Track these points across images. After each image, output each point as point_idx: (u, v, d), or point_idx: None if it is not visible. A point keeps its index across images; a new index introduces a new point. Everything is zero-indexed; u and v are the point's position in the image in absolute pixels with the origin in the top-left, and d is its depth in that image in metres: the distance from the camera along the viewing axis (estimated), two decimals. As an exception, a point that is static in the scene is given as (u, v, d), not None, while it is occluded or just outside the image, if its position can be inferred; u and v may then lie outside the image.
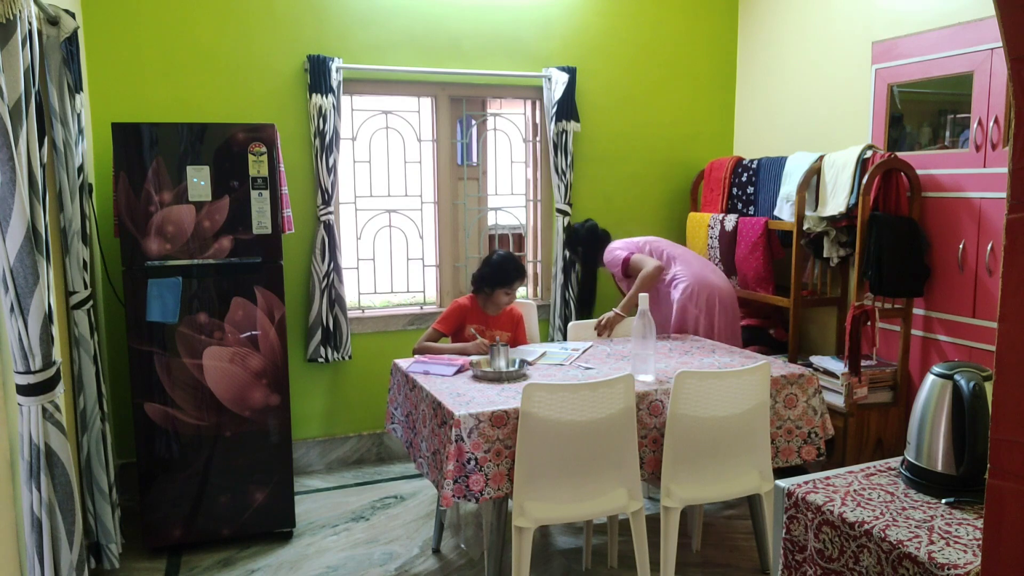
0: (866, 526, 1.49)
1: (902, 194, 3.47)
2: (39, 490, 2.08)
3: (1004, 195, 0.95)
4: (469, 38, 4.16)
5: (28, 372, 2.05)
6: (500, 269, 3.40)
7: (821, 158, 3.76)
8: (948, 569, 1.33)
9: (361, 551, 3.21)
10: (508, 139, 4.47)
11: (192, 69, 3.72)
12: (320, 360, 3.95)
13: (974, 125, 3.24)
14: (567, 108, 4.24)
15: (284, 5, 3.83)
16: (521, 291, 4.71)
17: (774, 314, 4.26)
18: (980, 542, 1.36)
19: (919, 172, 3.47)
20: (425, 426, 2.73)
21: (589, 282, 4.10)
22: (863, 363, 3.47)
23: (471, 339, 3.35)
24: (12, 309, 2.00)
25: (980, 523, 1.45)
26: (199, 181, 3.05)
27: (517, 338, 3.52)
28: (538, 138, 4.46)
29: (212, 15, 3.73)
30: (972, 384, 1.57)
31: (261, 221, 3.14)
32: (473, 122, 4.38)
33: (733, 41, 4.72)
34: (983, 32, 3.18)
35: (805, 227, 3.74)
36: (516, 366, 2.95)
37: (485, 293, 3.44)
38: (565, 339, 4.16)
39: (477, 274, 3.48)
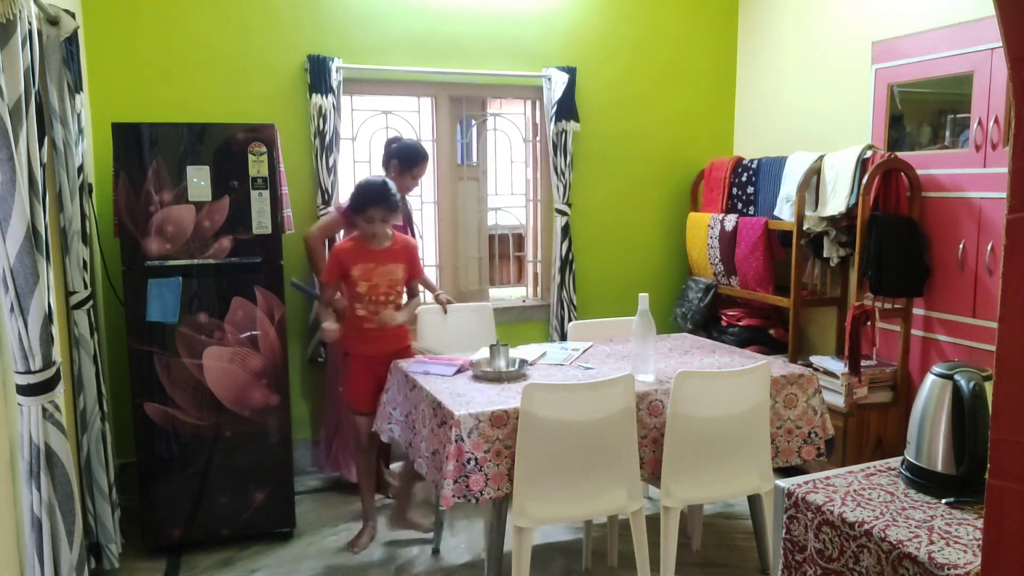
0: (866, 526, 1.49)
1: (902, 194, 3.47)
2: (39, 490, 2.08)
3: (1004, 195, 0.95)
4: (469, 38, 4.16)
5: (28, 372, 2.05)
6: (361, 194, 3.04)
7: (821, 158, 3.76)
8: (948, 569, 1.33)
9: (361, 551, 3.21)
10: (508, 139, 4.47)
11: (192, 69, 3.72)
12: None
13: (974, 125, 3.24)
14: (567, 108, 4.24)
15: (284, 5, 3.83)
16: (520, 291, 4.70)
17: (774, 314, 4.26)
18: (980, 542, 1.35)
19: (919, 172, 3.47)
20: (425, 426, 2.73)
21: None
22: (863, 363, 3.47)
23: (352, 297, 3.11)
24: (12, 309, 2.00)
25: (980, 523, 1.45)
26: (199, 181, 3.05)
27: (412, 271, 3.21)
28: (538, 138, 4.46)
29: (212, 15, 3.73)
30: (972, 384, 1.57)
31: (261, 221, 3.14)
32: (473, 122, 4.38)
33: (733, 41, 4.72)
34: (983, 32, 3.18)
35: (805, 227, 3.74)
36: (516, 366, 2.95)
37: (359, 224, 3.09)
38: (564, 339, 4.16)
39: (348, 205, 3.13)
